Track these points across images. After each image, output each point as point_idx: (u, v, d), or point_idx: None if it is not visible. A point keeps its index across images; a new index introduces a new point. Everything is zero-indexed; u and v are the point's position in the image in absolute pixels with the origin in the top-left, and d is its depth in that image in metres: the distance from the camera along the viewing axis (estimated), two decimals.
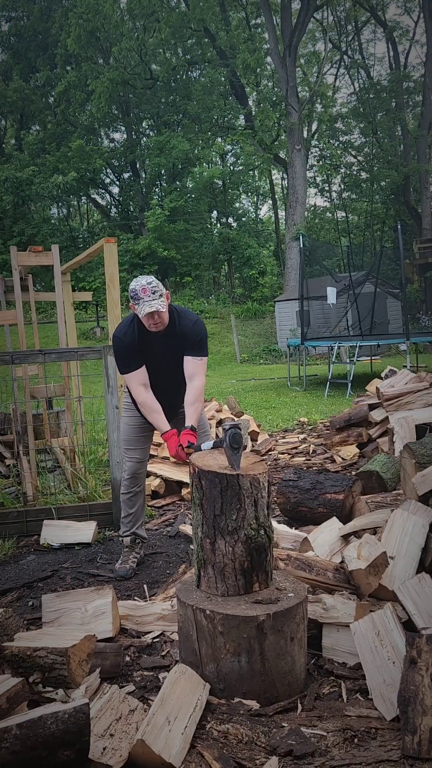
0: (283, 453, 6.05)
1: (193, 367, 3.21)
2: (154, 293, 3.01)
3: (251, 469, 2.28)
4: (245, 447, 5.83)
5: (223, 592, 2.22)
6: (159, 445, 5.13)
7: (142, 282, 3.04)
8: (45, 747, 1.65)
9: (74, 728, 1.67)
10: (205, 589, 2.26)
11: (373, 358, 14.34)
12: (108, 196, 34.36)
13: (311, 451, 5.99)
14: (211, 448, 2.59)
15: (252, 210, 36.81)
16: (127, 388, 3.30)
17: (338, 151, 32.27)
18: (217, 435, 6.01)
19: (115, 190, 33.85)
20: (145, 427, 3.39)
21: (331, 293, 12.77)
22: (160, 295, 3.03)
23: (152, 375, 3.22)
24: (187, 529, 3.96)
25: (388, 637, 2.18)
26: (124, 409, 3.45)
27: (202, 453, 2.45)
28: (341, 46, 31.74)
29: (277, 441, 6.58)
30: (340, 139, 32.40)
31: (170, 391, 3.30)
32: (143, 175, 31.80)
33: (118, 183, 33.59)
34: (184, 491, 4.81)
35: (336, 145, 32.29)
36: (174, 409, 3.35)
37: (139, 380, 3.17)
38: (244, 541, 2.20)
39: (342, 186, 33.35)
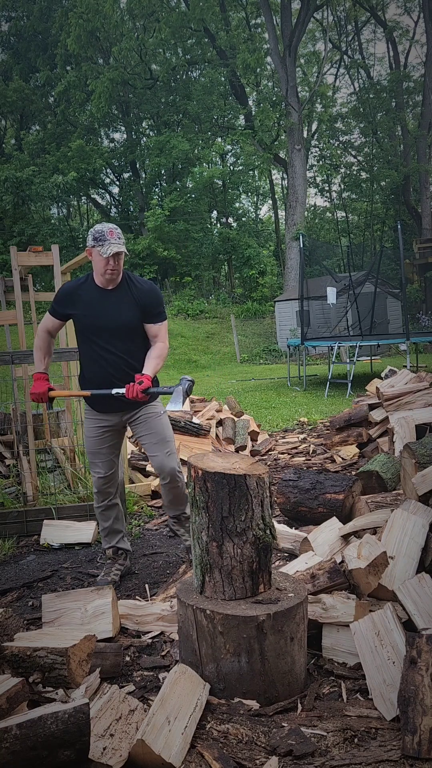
0: (283, 453, 6.05)
1: (156, 330, 3.21)
2: (119, 238, 3.02)
3: (254, 469, 2.27)
4: (244, 447, 5.86)
5: (230, 596, 2.20)
6: None
7: (108, 225, 3.05)
8: (45, 747, 1.65)
9: (74, 728, 1.67)
10: (210, 595, 2.22)
11: (373, 358, 14.34)
12: (108, 196, 34.39)
13: (311, 451, 5.99)
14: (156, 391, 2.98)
15: (252, 210, 36.83)
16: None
17: (338, 151, 32.28)
18: (217, 435, 6.02)
19: (115, 190, 33.88)
20: (103, 438, 3.28)
21: (331, 293, 12.77)
22: (124, 243, 3.04)
23: (100, 338, 3.13)
24: None
25: (388, 637, 2.18)
26: (85, 419, 3.37)
27: (199, 455, 2.42)
28: (341, 46, 31.74)
29: (277, 441, 6.58)
30: (340, 139, 32.41)
31: (124, 360, 3.17)
32: (143, 175, 31.79)
33: (118, 183, 33.60)
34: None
35: (336, 145, 32.31)
36: (124, 379, 3.17)
37: (49, 326, 3.24)
38: (252, 541, 2.19)
39: (342, 186, 33.37)
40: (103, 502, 3.35)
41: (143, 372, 3.11)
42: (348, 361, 12.05)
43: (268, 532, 2.22)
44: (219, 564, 2.20)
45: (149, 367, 3.13)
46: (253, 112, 27.99)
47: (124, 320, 3.13)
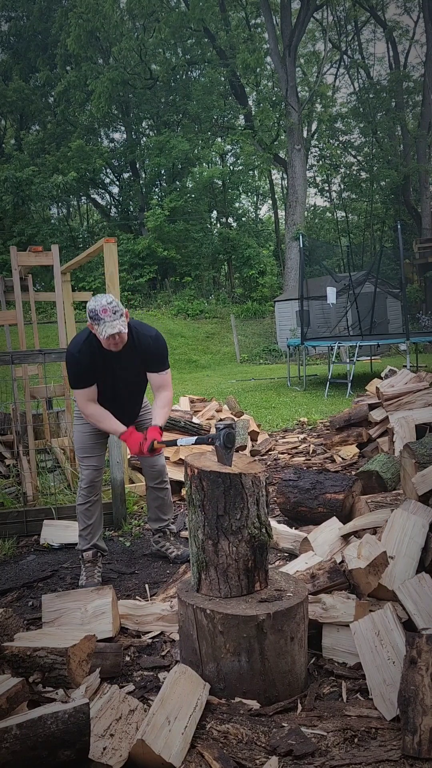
0: (283, 453, 6.04)
1: (159, 381, 3.30)
2: (114, 313, 2.95)
3: (250, 468, 2.28)
4: (244, 447, 5.85)
5: (226, 594, 2.20)
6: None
7: (101, 302, 2.96)
8: (45, 747, 1.65)
9: (74, 728, 1.67)
10: (206, 593, 2.23)
11: (373, 358, 14.32)
12: (108, 196, 34.36)
13: (311, 451, 5.99)
14: (194, 443, 2.65)
15: (252, 210, 36.82)
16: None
17: (338, 151, 32.25)
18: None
19: (115, 190, 33.85)
20: (99, 434, 3.38)
21: (331, 293, 12.76)
22: (120, 315, 2.98)
23: (110, 390, 3.23)
24: (186, 533, 3.95)
25: (388, 637, 2.18)
26: (77, 418, 3.44)
27: (196, 455, 2.45)
28: (341, 46, 31.71)
29: (277, 441, 6.58)
30: (340, 139, 32.39)
31: (128, 403, 3.38)
32: (143, 175, 31.77)
33: (117, 183, 33.57)
34: (184, 491, 4.80)
35: (336, 145, 32.28)
36: (132, 417, 3.44)
37: (87, 396, 3.18)
38: (247, 540, 2.20)
39: (342, 186, 33.34)
40: (90, 497, 3.36)
41: (153, 423, 3.23)
42: (348, 361, 12.05)
43: (263, 530, 2.23)
44: (215, 562, 2.21)
45: (159, 417, 3.25)
46: (253, 112, 27.98)
47: (131, 372, 3.26)
